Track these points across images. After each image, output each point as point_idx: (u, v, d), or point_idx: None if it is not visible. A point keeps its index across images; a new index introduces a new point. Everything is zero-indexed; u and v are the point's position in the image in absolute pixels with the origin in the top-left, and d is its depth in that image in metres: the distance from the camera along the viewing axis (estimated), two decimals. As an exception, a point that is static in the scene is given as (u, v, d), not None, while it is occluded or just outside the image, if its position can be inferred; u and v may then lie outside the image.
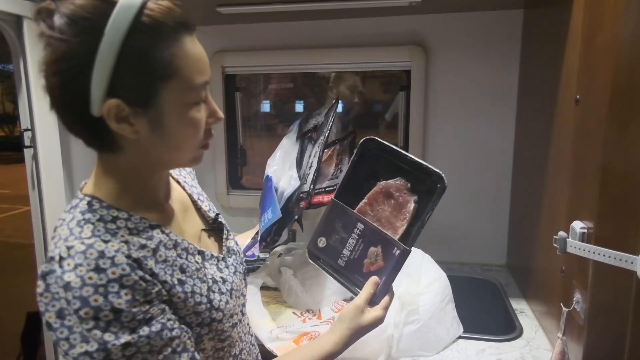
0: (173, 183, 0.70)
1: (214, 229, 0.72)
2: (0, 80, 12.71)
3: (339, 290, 1.19)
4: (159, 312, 0.53)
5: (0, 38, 1.24)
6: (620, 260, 0.65)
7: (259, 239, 1.09)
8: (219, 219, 0.74)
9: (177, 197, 0.68)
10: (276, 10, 1.36)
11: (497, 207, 1.56)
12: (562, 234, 0.78)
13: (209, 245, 0.69)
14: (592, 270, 0.74)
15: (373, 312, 0.68)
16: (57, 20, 0.48)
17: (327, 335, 0.68)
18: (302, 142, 1.28)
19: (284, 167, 1.22)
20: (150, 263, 0.54)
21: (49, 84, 0.50)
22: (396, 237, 0.69)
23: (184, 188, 0.72)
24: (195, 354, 0.57)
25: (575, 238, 0.76)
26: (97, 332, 0.48)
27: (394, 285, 0.71)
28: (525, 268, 1.34)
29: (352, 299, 0.70)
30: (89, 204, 0.55)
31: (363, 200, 0.72)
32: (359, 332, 0.68)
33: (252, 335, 0.77)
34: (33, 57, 1.24)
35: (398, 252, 0.68)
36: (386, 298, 0.69)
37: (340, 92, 1.79)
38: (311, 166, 1.14)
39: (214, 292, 0.61)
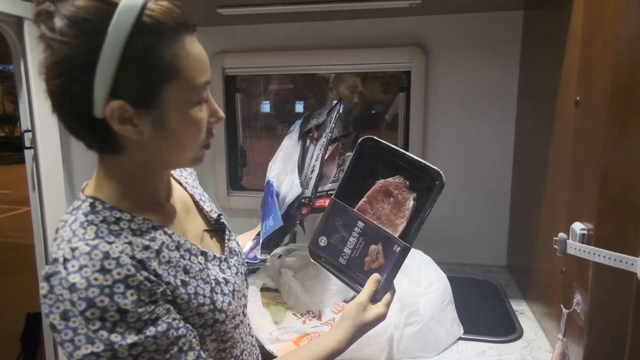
0: (174, 184, 0.70)
1: (216, 229, 0.73)
2: (1, 80, 12.72)
3: (340, 292, 1.19)
4: (164, 312, 0.53)
5: (0, 38, 1.24)
6: (620, 261, 0.65)
7: (260, 244, 1.09)
8: (221, 220, 0.74)
9: (179, 197, 0.69)
10: (276, 11, 1.37)
11: (497, 208, 1.56)
12: (562, 235, 0.78)
13: (211, 246, 0.69)
14: (592, 272, 0.74)
15: (375, 309, 0.69)
16: (58, 22, 0.48)
17: (330, 333, 0.69)
18: (304, 142, 1.27)
19: (285, 170, 1.22)
20: (154, 264, 0.54)
21: (50, 87, 0.50)
22: (396, 235, 0.69)
23: (185, 189, 0.72)
24: (201, 352, 0.57)
25: (576, 239, 0.76)
26: (104, 333, 0.48)
27: (395, 284, 0.72)
28: (525, 269, 1.34)
29: (353, 298, 0.70)
30: (92, 205, 0.55)
31: (363, 199, 0.73)
32: (362, 329, 0.68)
33: (252, 336, 0.77)
34: (33, 58, 1.24)
35: (398, 249, 0.68)
36: (388, 295, 0.70)
37: (340, 92, 1.79)
38: (313, 170, 1.14)
39: (216, 293, 0.62)
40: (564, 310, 0.84)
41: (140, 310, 0.50)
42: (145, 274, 0.52)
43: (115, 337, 0.48)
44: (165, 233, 0.58)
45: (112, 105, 0.50)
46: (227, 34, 1.65)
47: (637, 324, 0.68)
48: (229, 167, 1.79)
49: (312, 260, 0.76)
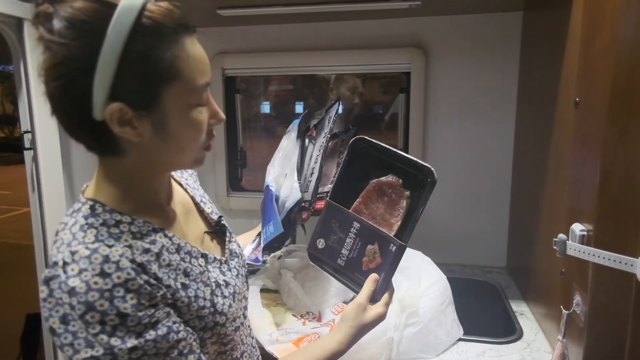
0: (175, 185, 0.70)
1: (217, 231, 0.72)
2: (0, 81, 12.71)
3: (339, 292, 1.19)
4: (164, 316, 0.53)
5: (0, 39, 1.24)
6: (620, 262, 0.65)
7: (261, 249, 1.08)
8: (222, 222, 0.74)
9: (179, 199, 0.68)
10: (276, 12, 1.37)
11: (497, 209, 1.56)
12: (561, 236, 0.78)
13: (212, 248, 0.69)
14: (592, 273, 0.74)
15: (375, 309, 0.69)
16: (57, 24, 0.48)
17: (331, 335, 0.69)
18: (303, 142, 1.26)
19: (284, 172, 1.21)
20: (154, 267, 0.54)
21: (49, 89, 0.50)
22: (392, 234, 0.69)
23: (186, 190, 0.72)
24: (202, 355, 0.57)
25: (575, 240, 0.76)
26: (104, 337, 0.48)
27: (395, 285, 0.72)
28: (525, 270, 1.34)
29: (353, 299, 0.70)
30: (92, 208, 0.55)
31: (357, 199, 0.73)
32: (362, 329, 0.68)
33: (253, 338, 0.77)
34: (33, 59, 1.24)
35: (394, 248, 0.68)
36: (387, 295, 0.70)
37: (341, 93, 1.79)
38: (312, 173, 1.14)
39: (217, 295, 0.61)
40: (563, 311, 0.84)
41: (140, 314, 0.50)
42: (145, 277, 0.51)
43: (115, 341, 0.48)
44: (166, 236, 0.58)
45: (112, 107, 0.49)
46: (227, 34, 1.65)
47: (636, 325, 0.68)
48: (229, 168, 1.79)
49: (312, 263, 0.76)
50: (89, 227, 0.52)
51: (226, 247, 0.71)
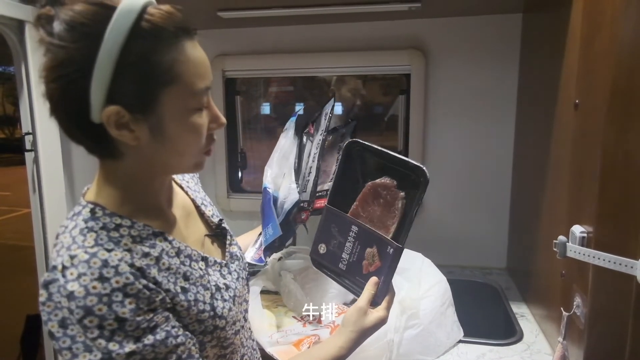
0: (176, 188, 0.70)
1: (217, 234, 0.72)
2: (1, 82, 12.73)
3: (339, 294, 1.19)
4: (163, 320, 0.53)
5: (0, 40, 1.24)
6: (620, 264, 0.65)
7: (262, 251, 1.08)
8: (222, 224, 0.73)
9: (180, 202, 0.68)
10: (276, 15, 1.37)
11: (497, 211, 1.56)
12: (562, 238, 0.78)
13: (212, 251, 0.69)
14: (592, 275, 0.74)
15: (376, 313, 0.68)
16: (57, 26, 0.48)
17: (331, 340, 0.69)
18: (300, 139, 1.26)
19: (282, 172, 1.21)
20: (154, 271, 0.54)
21: (48, 90, 0.50)
22: (389, 236, 0.69)
23: (187, 193, 0.72)
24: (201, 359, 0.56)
25: (575, 242, 0.76)
26: (102, 342, 0.48)
27: (395, 287, 0.72)
28: (525, 272, 1.34)
29: (353, 301, 0.70)
30: (92, 211, 0.55)
31: (354, 203, 0.73)
32: (363, 334, 0.68)
33: (253, 340, 0.77)
34: (34, 61, 1.24)
35: (392, 250, 0.68)
36: (388, 298, 0.70)
37: (342, 94, 1.79)
38: (310, 172, 1.13)
39: (217, 299, 0.61)
40: (564, 313, 0.84)
41: (138, 318, 0.50)
42: (144, 282, 0.51)
43: (113, 346, 0.48)
44: (166, 239, 0.58)
45: (109, 110, 0.49)
46: (227, 36, 1.65)
47: (637, 326, 0.68)
48: (229, 170, 1.79)
49: (315, 269, 0.76)
50: (89, 231, 0.52)
51: (227, 250, 0.71)
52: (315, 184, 1.11)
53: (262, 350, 1.00)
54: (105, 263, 0.49)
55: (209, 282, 0.61)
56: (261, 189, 1.21)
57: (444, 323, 1.08)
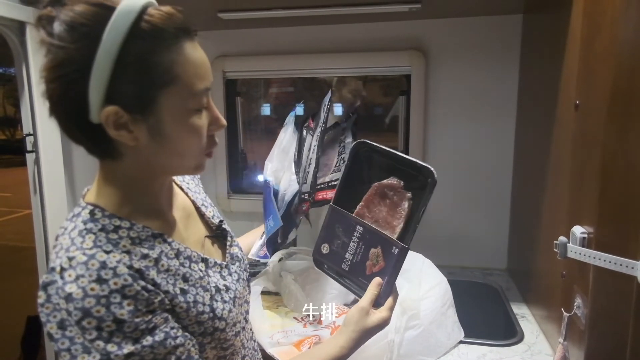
0: (176, 189, 0.69)
1: (218, 235, 0.72)
2: (2, 83, 12.75)
3: (340, 295, 1.19)
4: (162, 321, 0.53)
5: (0, 41, 1.24)
6: (621, 265, 0.65)
7: (266, 244, 1.09)
8: (223, 226, 0.73)
9: (180, 203, 0.68)
10: (277, 16, 1.37)
11: (497, 211, 1.56)
12: (562, 238, 0.78)
13: (212, 252, 0.69)
14: (593, 275, 0.74)
15: (378, 314, 0.68)
16: (57, 27, 0.48)
17: (333, 340, 0.69)
18: (300, 133, 1.25)
19: (282, 166, 1.20)
20: (152, 273, 0.54)
21: (48, 90, 0.50)
22: (394, 236, 0.69)
23: (187, 194, 0.72)
24: None
25: (576, 243, 0.76)
26: (100, 343, 0.48)
27: (396, 288, 0.71)
28: (526, 272, 1.34)
29: (354, 301, 0.70)
30: (91, 213, 0.55)
31: (360, 203, 0.73)
32: (365, 334, 0.68)
33: (254, 342, 0.77)
34: (35, 62, 1.25)
35: (397, 250, 0.68)
36: (390, 299, 0.69)
37: (343, 95, 1.79)
38: (310, 163, 1.13)
39: (216, 300, 0.61)
40: (564, 313, 0.84)
41: (137, 320, 0.50)
42: (142, 283, 0.51)
43: (111, 347, 0.48)
44: (165, 241, 0.58)
45: (107, 110, 0.50)
46: (228, 38, 1.65)
47: (637, 327, 0.68)
48: (230, 170, 1.79)
49: (317, 269, 0.76)
50: (88, 233, 0.52)
51: (227, 251, 0.71)
52: (315, 175, 1.10)
53: (263, 351, 1.00)
54: (103, 265, 0.49)
55: (208, 283, 0.61)
56: (262, 189, 1.21)
57: (444, 324, 1.08)
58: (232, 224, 0.80)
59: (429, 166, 0.67)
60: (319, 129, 1.15)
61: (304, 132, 1.25)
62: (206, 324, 0.59)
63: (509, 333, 1.18)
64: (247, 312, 0.72)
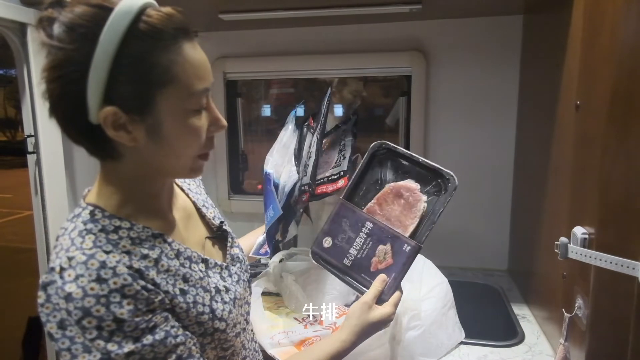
0: (177, 190, 0.70)
1: (218, 236, 0.72)
2: (3, 85, 12.78)
3: (341, 296, 1.19)
4: (162, 320, 0.53)
5: (0, 43, 1.25)
6: (622, 266, 0.65)
7: (266, 236, 1.09)
8: (224, 227, 0.73)
9: (181, 204, 0.68)
10: (277, 17, 1.37)
11: (498, 212, 1.56)
12: (563, 239, 0.78)
13: (213, 253, 0.69)
14: (594, 276, 0.74)
15: (382, 309, 0.68)
16: (57, 28, 0.49)
17: (335, 334, 0.69)
18: (301, 131, 1.26)
19: (283, 161, 1.21)
20: (152, 273, 0.54)
21: (47, 91, 0.51)
22: (406, 235, 0.70)
23: (187, 195, 0.72)
24: (201, 359, 0.56)
25: (577, 244, 0.76)
26: (100, 342, 0.48)
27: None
28: (527, 273, 1.34)
29: (356, 300, 0.70)
30: (92, 213, 0.55)
31: (372, 201, 0.74)
32: (367, 328, 0.68)
33: (255, 342, 0.77)
34: (37, 64, 1.25)
35: (408, 248, 0.69)
36: (395, 295, 0.70)
37: (343, 96, 1.79)
38: (310, 156, 1.13)
39: (216, 301, 0.61)
40: (565, 314, 0.84)
41: (137, 319, 0.50)
42: (142, 283, 0.51)
43: (112, 346, 0.48)
44: (165, 241, 0.58)
45: (105, 111, 0.50)
46: (228, 39, 1.65)
47: (638, 328, 0.68)
48: (231, 171, 1.79)
49: (314, 262, 0.76)
50: (87, 233, 0.52)
51: (228, 252, 0.71)
52: (315, 167, 1.11)
53: (263, 352, 1.00)
54: (103, 264, 0.50)
55: (208, 284, 0.61)
56: (262, 190, 1.21)
57: (445, 324, 1.07)
58: (233, 225, 0.80)
59: (450, 172, 0.71)
60: (320, 121, 1.15)
61: (305, 129, 1.25)
62: (206, 325, 0.59)
63: (510, 334, 1.18)
64: (247, 313, 0.72)
